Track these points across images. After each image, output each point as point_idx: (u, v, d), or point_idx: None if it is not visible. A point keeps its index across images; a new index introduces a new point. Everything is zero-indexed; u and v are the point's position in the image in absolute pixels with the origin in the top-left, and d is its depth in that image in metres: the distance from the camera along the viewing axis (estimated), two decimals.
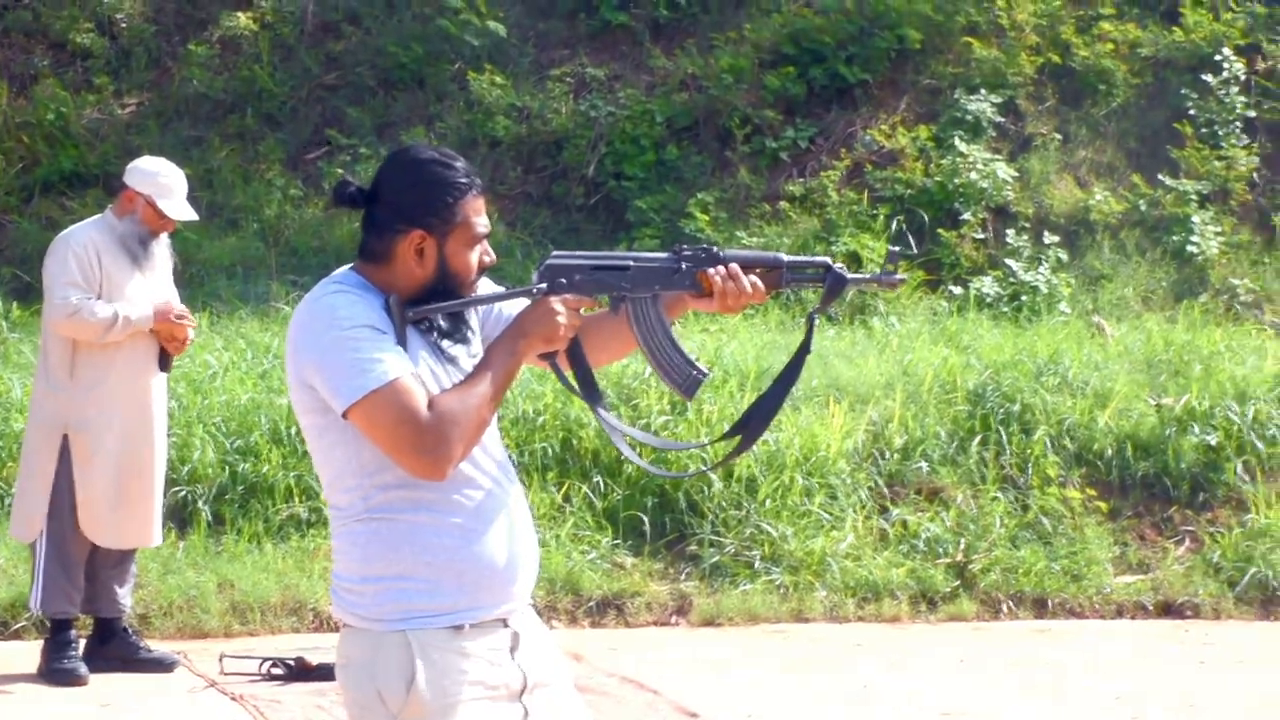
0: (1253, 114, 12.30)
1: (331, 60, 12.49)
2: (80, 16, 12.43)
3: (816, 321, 3.48)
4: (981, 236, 11.43)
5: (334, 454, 3.22)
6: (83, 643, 6.76)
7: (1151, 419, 9.11)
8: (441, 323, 3.28)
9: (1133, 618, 8.26)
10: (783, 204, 11.53)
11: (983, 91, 12.03)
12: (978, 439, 8.85)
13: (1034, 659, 7.47)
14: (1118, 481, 8.92)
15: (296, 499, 8.03)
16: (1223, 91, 12.23)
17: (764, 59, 12.32)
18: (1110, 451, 8.96)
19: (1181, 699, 6.94)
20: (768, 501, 8.28)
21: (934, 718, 6.65)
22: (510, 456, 3.70)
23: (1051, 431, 8.94)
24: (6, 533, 7.25)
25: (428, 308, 3.24)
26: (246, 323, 9.84)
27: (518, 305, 3.38)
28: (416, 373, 3.17)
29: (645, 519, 8.21)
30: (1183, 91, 12.28)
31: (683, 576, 8.07)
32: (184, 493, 7.95)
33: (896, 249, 3.53)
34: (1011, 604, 8.18)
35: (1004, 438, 8.87)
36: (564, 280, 3.31)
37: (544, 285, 3.31)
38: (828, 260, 3.45)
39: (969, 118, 11.88)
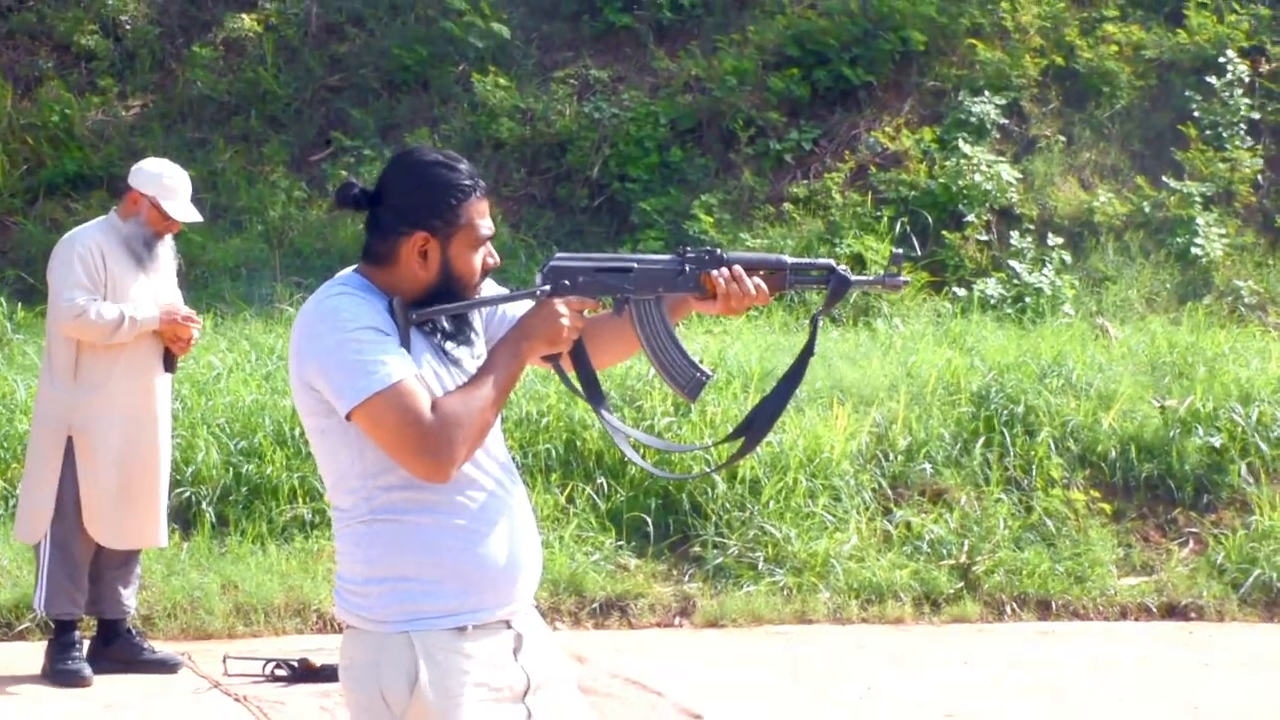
0: (1257, 116, 12.30)
1: (335, 62, 12.50)
2: (85, 18, 12.45)
3: (820, 323, 3.49)
4: (985, 238, 11.43)
5: (338, 456, 3.22)
6: (86, 644, 6.76)
7: (1155, 421, 9.11)
8: (445, 325, 3.29)
9: (1136, 620, 8.26)
10: (786, 206, 11.53)
11: (987, 93, 12.04)
12: (981, 440, 8.85)
13: (1037, 661, 7.47)
14: (1121, 483, 8.91)
15: (300, 500, 8.03)
16: (1227, 93, 12.23)
17: (768, 61, 12.32)
18: (1114, 453, 8.96)
19: (1185, 701, 6.93)
20: (771, 503, 8.28)
21: (937, 719, 6.65)
22: (513, 458, 3.71)
23: (1055, 433, 8.94)
24: (11, 534, 7.26)
25: (431, 310, 3.24)
26: (250, 324, 9.84)
27: (521, 307, 3.38)
28: (420, 375, 3.18)
29: (649, 520, 8.21)
30: (1187, 93, 12.29)
31: (686, 578, 8.07)
32: (188, 494, 7.95)
33: (900, 251, 3.54)
34: (1015, 606, 8.18)
35: (1008, 439, 8.87)
36: (567, 282, 3.32)
37: (547, 287, 3.31)
38: (831, 262, 3.45)
39: (973, 120, 11.88)
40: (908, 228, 11.24)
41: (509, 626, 3.28)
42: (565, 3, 12.86)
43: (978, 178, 11.47)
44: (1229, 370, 9.57)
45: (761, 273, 3.39)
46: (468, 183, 3.25)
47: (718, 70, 12.16)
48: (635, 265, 3.38)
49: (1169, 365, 9.73)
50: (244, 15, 12.63)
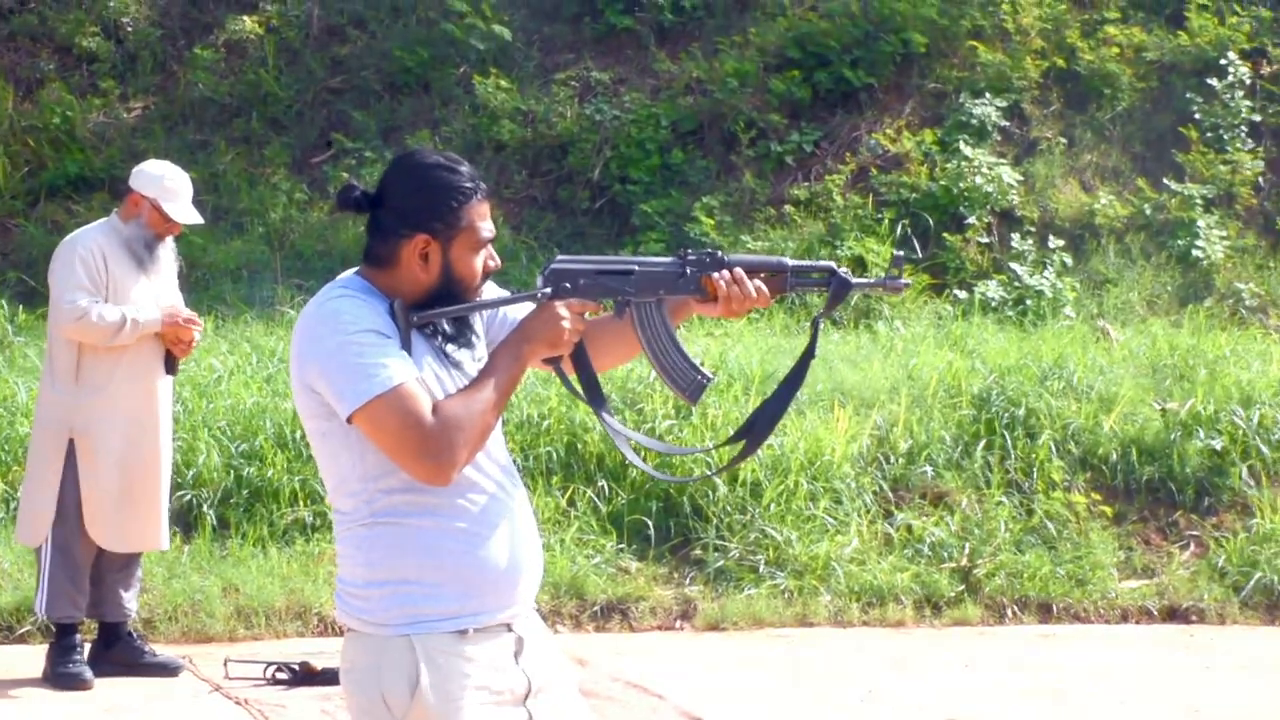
0: (1258, 118, 12.29)
1: (337, 64, 12.50)
2: (86, 20, 12.45)
3: (821, 326, 3.49)
4: (986, 241, 11.43)
5: (338, 458, 3.22)
6: (87, 647, 6.76)
7: (1156, 423, 9.10)
8: (446, 327, 3.28)
9: (1137, 622, 8.25)
10: (787, 208, 11.53)
11: (988, 95, 12.04)
12: (982, 443, 8.85)
13: (1039, 664, 7.46)
14: (1122, 486, 8.91)
15: (301, 503, 8.03)
16: (1228, 95, 12.23)
17: (769, 63, 12.32)
18: (1115, 456, 8.95)
19: (1186, 704, 6.93)
20: (772, 506, 8.28)
21: None
22: (514, 461, 3.71)
23: (1056, 436, 8.93)
24: (12, 537, 7.26)
25: (432, 312, 3.24)
26: (251, 326, 9.84)
27: (522, 309, 3.38)
28: (421, 378, 3.17)
29: (650, 523, 8.21)
30: (1188, 95, 12.29)
31: (687, 581, 8.07)
32: (189, 497, 7.95)
33: (901, 253, 3.53)
34: (1016, 608, 8.17)
35: (1009, 442, 8.87)
36: (568, 285, 3.32)
37: (548, 290, 3.31)
38: (832, 265, 3.45)
39: (974, 122, 11.88)
40: (909, 230, 11.24)
41: (510, 629, 3.28)
42: (566, 5, 12.86)
43: (979, 180, 11.47)
44: (1230, 373, 9.57)
45: (762, 275, 3.39)
46: (469, 185, 3.25)
47: (719, 72, 12.16)
48: (636, 268, 3.38)
49: (1170, 368, 9.73)
50: (245, 17, 12.63)
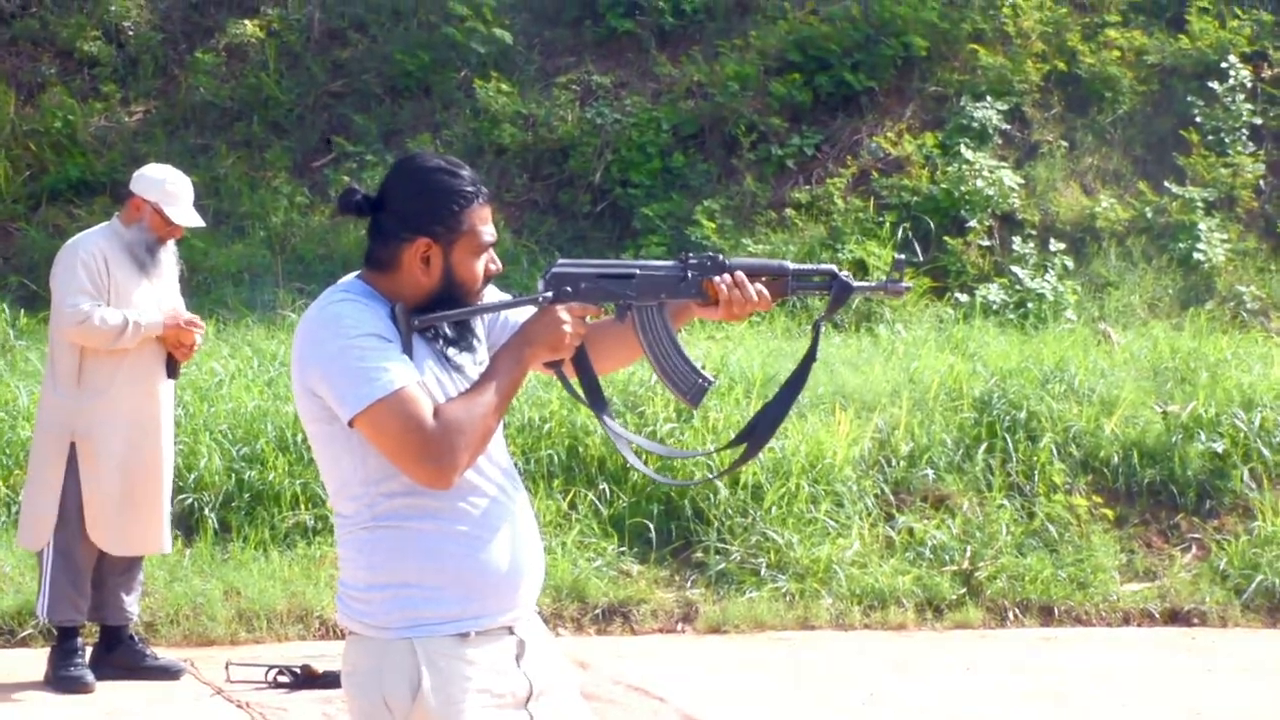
0: (1259, 121, 12.30)
1: (338, 68, 12.51)
2: (88, 25, 12.45)
3: (822, 329, 3.49)
4: (987, 244, 11.43)
5: (340, 462, 3.22)
6: (89, 650, 6.76)
7: (1158, 426, 9.10)
8: (447, 331, 3.29)
9: (1139, 625, 8.25)
10: (789, 211, 11.53)
11: (989, 99, 12.04)
12: (984, 446, 8.85)
13: (1040, 666, 7.46)
14: (1124, 489, 8.91)
15: (303, 506, 8.03)
16: (1229, 99, 12.23)
17: (770, 66, 12.33)
18: (1116, 459, 8.95)
19: (1188, 707, 6.93)
20: (774, 509, 8.28)
21: None
22: (516, 464, 3.71)
23: (1058, 439, 8.93)
24: (14, 540, 7.26)
25: (434, 316, 3.24)
26: (253, 330, 9.85)
27: (524, 313, 3.38)
28: (422, 381, 3.18)
29: (651, 526, 8.21)
30: (1189, 98, 12.29)
31: (689, 584, 8.07)
32: (190, 500, 7.95)
33: (902, 256, 3.54)
34: (1018, 611, 8.17)
35: (1010, 445, 8.87)
36: (569, 288, 3.32)
37: (550, 293, 3.31)
38: (833, 268, 3.45)
39: (975, 125, 11.89)
40: (910, 233, 11.24)
41: (511, 633, 3.28)
42: (567, 8, 12.86)
43: (980, 183, 11.47)
44: (1231, 376, 9.57)
45: (764, 279, 3.39)
46: (470, 189, 3.25)
47: (720, 76, 12.17)
48: (637, 271, 3.38)
49: (1171, 371, 9.73)
50: (246, 21, 12.63)
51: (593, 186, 11.83)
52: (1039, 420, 8.99)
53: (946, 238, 11.31)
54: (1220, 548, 8.62)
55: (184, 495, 7.89)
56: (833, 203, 11.51)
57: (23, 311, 10.13)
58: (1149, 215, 11.74)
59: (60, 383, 6.61)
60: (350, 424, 3.15)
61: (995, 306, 10.90)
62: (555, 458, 8.38)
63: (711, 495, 8.28)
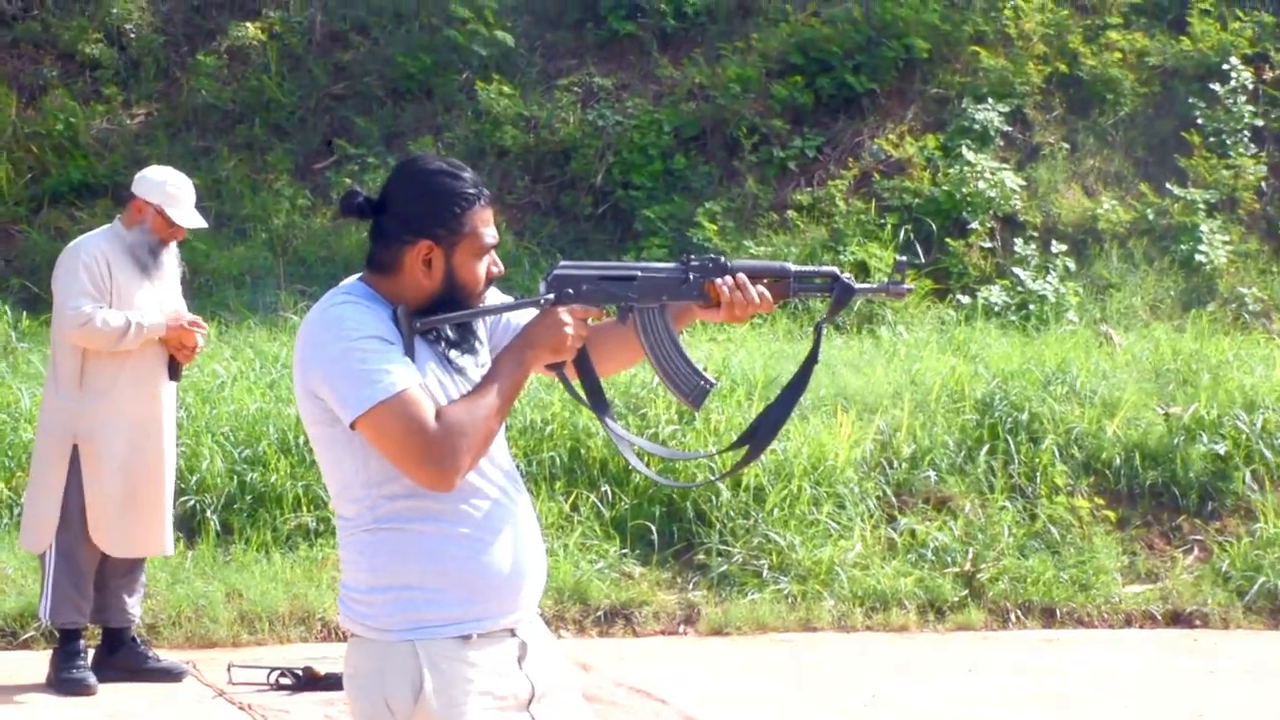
0: (1260, 123, 12.29)
1: (340, 70, 12.51)
2: (89, 27, 12.46)
3: (824, 331, 3.49)
4: (989, 246, 11.43)
5: (342, 464, 3.22)
6: (91, 652, 6.77)
7: (1160, 428, 9.10)
8: (449, 333, 3.29)
9: (1141, 627, 8.25)
10: (790, 213, 11.53)
11: (990, 101, 12.04)
12: (985, 448, 8.85)
13: (1042, 668, 7.46)
14: (1126, 491, 8.91)
15: (305, 508, 8.03)
16: (1230, 100, 12.23)
17: (771, 68, 12.33)
18: (1118, 461, 8.95)
19: (1190, 709, 6.93)
20: (775, 511, 8.28)
21: None
22: (518, 466, 3.71)
23: (1059, 440, 8.93)
24: (16, 543, 7.26)
25: (435, 318, 3.25)
26: (255, 332, 9.85)
27: (525, 315, 3.38)
28: (424, 384, 3.18)
29: (653, 528, 8.21)
30: (1190, 100, 12.29)
31: (690, 586, 8.07)
32: (192, 502, 7.95)
33: (904, 258, 3.54)
34: (1020, 613, 8.17)
35: (1012, 447, 8.87)
36: (571, 291, 3.32)
37: (551, 296, 3.31)
38: (835, 270, 3.45)
39: (976, 127, 11.89)
40: (911, 235, 11.24)
41: (513, 635, 3.28)
42: (569, 11, 12.87)
43: (981, 185, 11.47)
44: (1233, 377, 9.56)
45: (765, 281, 3.39)
46: (472, 191, 3.25)
47: (721, 78, 12.17)
48: (639, 273, 3.38)
49: (1173, 372, 9.73)
50: (248, 24, 12.64)
51: (594, 188, 11.83)
52: (1041, 422, 8.99)
53: (948, 239, 11.31)
54: (1222, 549, 8.62)
55: (186, 497, 7.89)
56: (834, 205, 11.52)
57: (24, 314, 10.14)
58: (1151, 217, 11.74)
59: (62, 385, 6.61)
60: (352, 426, 3.15)
61: (997, 308, 10.90)
62: (557, 459, 8.39)
63: (713, 497, 8.28)
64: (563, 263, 3.38)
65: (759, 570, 8.08)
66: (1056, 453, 8.88)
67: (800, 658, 7.51)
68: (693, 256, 3.40)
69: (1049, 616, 8.21)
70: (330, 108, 12.32)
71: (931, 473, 8.69)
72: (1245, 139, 12.15)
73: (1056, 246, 11.43)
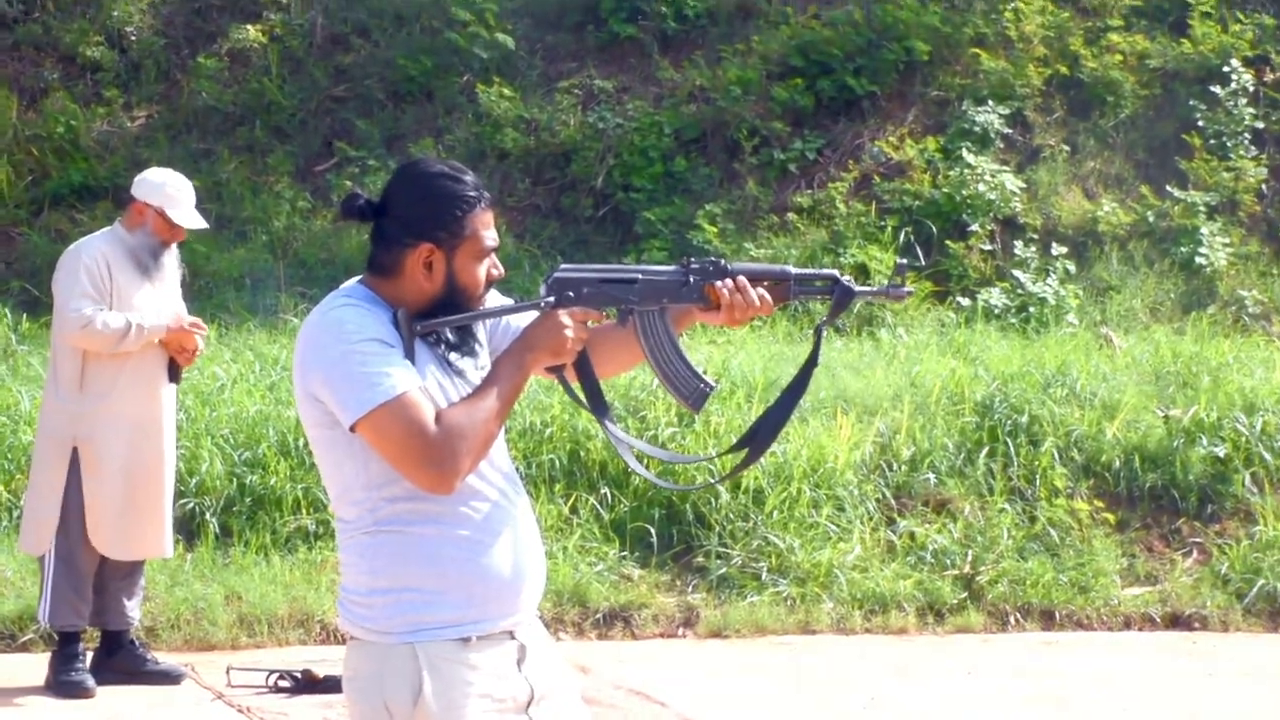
0: (1261, 125, 12.30)
1: (340, 73, 12.52)
2: (90, 30, 12.46)
3: (824, 333, 3.49)
4: (989, 248, 11.43)
5: (342, 467, 3.23)
6: (90, 655, 6.77)
7: (1159, 430, 9.10)
8: (449, 336, 3.29)
9: (1140, 630, 8.25)
10: (790, 216, 11.54)
11: (990, 103, 12.04)
12: (985, 450, 8.85)
13: (1041, 671, 7.46)
14: (1125, 493, 8.91)
15: (304, 511, 8.03)
16: (1231, 103, 12.23)
17: (772, 71, 12.33)
18: (1118, 463, 8.95)
19: (1189, 711, 6.93)
20: (775, 513, 8.28)
21: None
22: (517, 468, 3.72)
23: (1059, 443, 8.93)
24: (15, 545, 7.26)
25: (436, 321, 3.25)
26: (255, 335, 9.85)
27: (525, 318, 3.39)
28: (424, 386, 3.18)
29: (652, 531, 8.21)
30: (1191, 103, 12.29)
31: (690, 588, 8.07)
32: (191, 504, 7.95)
33: (904, 261, 3.54)
34: (1019, 616, 8.17)
35: (1011, 449, 8.87)
36: (571, 293, 3.32)
37: (551, 298, 3.31)
38: (835, 273, 3.45)
39: (977, 129, 11.89)
40: (912, 237, 11.24)
41: (513, 637, 3.28)
42: (570, 13, 12.87)
43: (981, 187, 11.47)
44: (1233, 380, 9.56)
45: (766, 283, 3.39)
46: (472, 194, 3.25)
47: (722, 80, 12.17)
48: (639, 276, 3.38)
49: (1173, 375, 9.73)
50: (249, 26, 12.64)
51: (595, 191, 11.84)
52: (1040, 424, 8.99)
53: (948, 242, 11.31)
54: (1221, 552, 8.62)
55: (185, 500, 7.89)
56: (834, 207, 11.52)
57: (25, 316, 10.14)
58: (1151, 219, 11.74)
59: (62, 387, 6.62)
60: (352, 429, 3.15)
61: (997, 310, 10.90)
62: (557, 462, 8.39)
63: (713, 500, 8.28)
64: (563, 265, 3.38)
65: (758, 573, 8.08)
66: (1056, 455, 8.88)
67: (799, 660, 7.51)
68: (693, 259, 3.40)
69: (1048, 619, 8.21)
70: (331, 110, 12.33)
71: (931, 475, 8.69)
72: (1246, 141, 12.15)
73: (1057, 249, 11.44)
